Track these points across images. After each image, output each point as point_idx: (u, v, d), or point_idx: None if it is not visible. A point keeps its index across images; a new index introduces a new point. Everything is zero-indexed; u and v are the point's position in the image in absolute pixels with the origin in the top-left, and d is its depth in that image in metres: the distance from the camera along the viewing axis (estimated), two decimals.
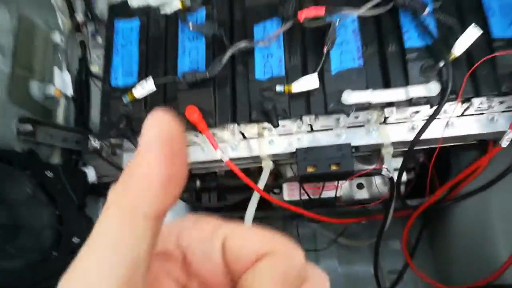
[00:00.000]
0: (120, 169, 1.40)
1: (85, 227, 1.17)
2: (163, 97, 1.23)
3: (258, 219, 1.23)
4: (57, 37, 1.55)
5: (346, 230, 1.64)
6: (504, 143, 1.04)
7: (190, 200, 1.54)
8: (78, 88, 1.58)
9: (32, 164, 1.17)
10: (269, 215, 1.63)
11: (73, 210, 1.19)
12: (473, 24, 0.98)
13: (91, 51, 1.62)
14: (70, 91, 1.55)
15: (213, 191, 1.58)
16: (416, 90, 1.03)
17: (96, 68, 1.62)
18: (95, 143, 1.40)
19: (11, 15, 1.35)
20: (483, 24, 1.05)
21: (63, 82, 1.53)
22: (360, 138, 1.17)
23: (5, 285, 0.95)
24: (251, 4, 1.24)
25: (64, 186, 1.20)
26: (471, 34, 0.98)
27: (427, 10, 1.04)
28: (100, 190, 1.44)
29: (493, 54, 1.01)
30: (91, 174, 1.40)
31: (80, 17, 1.62)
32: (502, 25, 1.04)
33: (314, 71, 1.08)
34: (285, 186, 1.45)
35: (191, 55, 1.23)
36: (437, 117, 1.07)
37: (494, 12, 1.06)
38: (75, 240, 1.13)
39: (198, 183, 1.48)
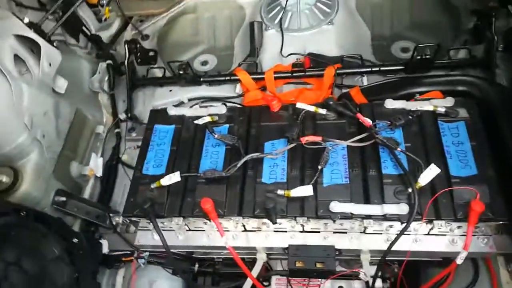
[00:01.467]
0: (131, 245, 1.58)
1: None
2: (184, 188, 1.48)
3: None
4: (100, 129, 1.88)
5: None
6: (459, 260, 1.26)
7: (187, 279, 1.67)
8: (107, 171, 1.85)
9: (63, 230, 1.37)
10: None
11: (88, 274, 1.36)
12: (433, 164, 1.28)
13: (125, 143, 1.93)
14: (100, 173, 1.81)
15: (209, 276, 1.73)
16: (389, 208, 1.29)
17: (125, 157, 1.91)
18: (114, 219, 1.61)
19: (71, 108, 1.69)
20: (445, 163, 1.36)
21: (96, 165, 1.81)
22: (343, 243, 1.39)
23: None
24: (265, 125, 1.57)
25: (85, 252, 1.38)
26: (432, 170, 1.28)
27: (400, 148, 1.36)
28: (110, 262, 1.60)
29: (450, 188, 1.30)
30: (104, 246, 1.58)
31: (122, 116, 1.97)
32: (457, 166, 1.35)
33: (310, 182, 1.36)
34: (273, 279, 1.61)
35: (212, 157, 1.53)
36: (407, 233, 1.32)
37: (451, 156, 1.37)
38: None
39: (196, 266, 1.65)
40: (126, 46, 2.02)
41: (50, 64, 1.53)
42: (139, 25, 2.42)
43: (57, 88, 1.58)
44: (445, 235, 1.36)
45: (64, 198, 1.52)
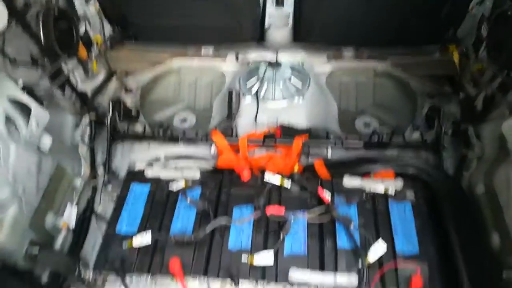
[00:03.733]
0: None
1: None
2: (153, 247, 1.57)
3: None
4: (78, 182, 1.95)
5: None
6: None
7: None
8: (80, 223, 1.91)
9: (34, 284, 1.43)
10: None
11: None
12: (381, 239, 1.44)
13: (101, 195, 2.02)
14: (72, 224, 1.87)
15: None
16: (341, 278, 1.43)
17: (100, 208, 1.99)
18: (84, 273, 1.67)
19: (53, 163, 1.77)
20: (392, 239, 1.53)
21: (69, 216, 1.86)
22: None
23: None
24: (234, 192, 1.71)
25: None
26: (380, 247, 1.44)
27: (353, 225, 1.52)
28: None
29: (395, 265, 1.45)
30: None
31: (100, 170, 2.06)
32: (403, 244, 1.52)
33: (271, 248, 1.48)
34: None
35: (183, 220, 1.64)
36: None
37: (398, 234, 1.55)
38: None
39: None
40: (110, 104, 2.14)
41: (37, 124, 1.62)
42: (124, 79, 2.55)
43: (42, 146, 1.67)
44: None
45: (36, 250, 1.57)
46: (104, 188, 2.04)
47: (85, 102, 2.16)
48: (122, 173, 2.08)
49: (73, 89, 2.12)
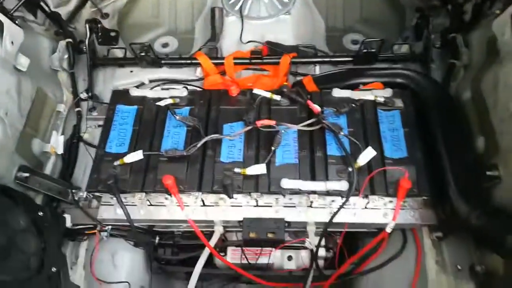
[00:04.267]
0: (92, 218, 1.66)
1: (61, 260, 1.41)
2: (146, 166, 1.57)
3: (201, 277, 1.53)
4: (61, 108, 1.90)
5: None
6: (388, 229, 1.47)
7: (149, 250, 1.78)
8: (68, 149, 1.89)
9: (28, 204, 1.43)
10: (211, 272, 1.87)
11: (54, 245, 1.43)
12: (370, 147, 1.47)
13: (86, 122, 1.98)
14: (61, 150, 1.85)
15: (168, 247, 1.84)
16: (332, 185, 1.47)
17: (87, 135, 1.96)
18: (77, 195, 1.68)
19: (33, 86, 1.71)
20: (380, 146, 1.55)
21: (57, 142, 1.84)
22: (292, 216, 1.56)
23: None
24: (223, 109, 1.69)
25: (50, 225, 1.45)
26: (369, 152, 1.46)
27: (343, 132, 1.53)
28: (73, 235, 1.67)
29: (384, 168, 1.49)
30: (67, 220, 1.65)
31: (83, 95, 2.00)
32: (391, 149, 1.55)
33: (263, 162, 1.50)
34: (229, 250, 1.76)
35: (173, 138, 1.63)
36: (347, 207, 1.51)
37: (386, 140, 1.57)
38: (53, 269, 1.36)
39: (157, 238, 1.76)
40: (87, 25, 2.03)
41: (12, 43, 1.54)
42: (99, 2, 2.40)
43: (19, 66, 1.59)
44: (379, 209, 1.56)
45: (27, 174, 1.55)
46: (89, 114, 1.99)
47: (60, 26, 2.04)
48: (106, 99, 2.02)
49: (46, 13, 2.01)
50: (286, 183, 1.47)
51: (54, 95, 1.89)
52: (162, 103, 1.66)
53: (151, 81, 2.10)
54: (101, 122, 1.92)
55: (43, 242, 1.38)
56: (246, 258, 1.72)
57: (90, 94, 2.02)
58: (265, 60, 2.05)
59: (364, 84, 1.79)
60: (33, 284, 1.28)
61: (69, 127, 1.95)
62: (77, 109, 2.00)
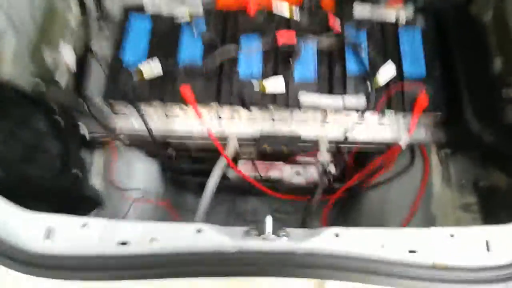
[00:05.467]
0: (107, 128, 1.67)
1: (82, 164, 1.45)
2: (163, 78, 1.56)
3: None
4: (71, 20, 1.83)
5: (281, 207, 2.04)
6: (403, 143, 1.52)
7: (166, 158, 1.81)
8: (80, 65, 1.84)
9: (47, 109, 1.44)
10: (224, 184, 1.94)
11: (75, 149, 1.46)
12: (389, 61, 1.46)
13: (97, 36, 1.91)
14: (72, 63, 1.80)
15: (183, 159, 1.88)
16: (350, 100, 1.48)
17: (98, 50, 1.90)
18: (93, 103, 1.67)
19: None
20: (400, 65, 1.55)
21: (68, 54, 1.79)
22: (306, 131, 1.59)
23: (31, 185, 1.22)
24: (241, 21, 1.64)
25: (68, 129, 1.47)
26: (389, 67, 1.46)
27: (363, 49, 1.52)
28: (89, 144, 1.69)
29: (400, 85, 1.50)
30: (83, 129, 1.65)
31: (92, 12, 1.91)
32: (410, 67, 1.55)
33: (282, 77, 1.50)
34: (240, 163, 1.81)
35: (190, 52, 1.59)
36: (362, 123, 1.54)
37: (406, 58, 1.57)
38: (75, 171, 1.41)
39: (170, 151, 1.79)
40: None
41: None
42: None
43: None
44: (393, 125, 1.59)
45: (43, 84, 1.54)
46: (99, 29, 1.92)
47: None
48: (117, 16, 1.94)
49: None
50: (305, 96, 1.48)
51: (63, 9, 1.81)
52: (180, 17, 1.60)
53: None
54: (112, 40, 1.86)
55: (64, 146, 1.40)
56: (258, 170, 1.77)
57: (100, 8, 1.93)
58: None
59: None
60: (59, 182, 1.33)
61: (80, 44, 1.89)
62: (86, 24, 1.92)
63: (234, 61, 1.57)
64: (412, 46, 1.59)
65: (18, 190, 1.19)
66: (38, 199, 1.22)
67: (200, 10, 1.68)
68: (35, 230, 1.03)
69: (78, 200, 1.46)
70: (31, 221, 1.04)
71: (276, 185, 1.82)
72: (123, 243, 1.02)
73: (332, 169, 1.77)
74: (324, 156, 1.62)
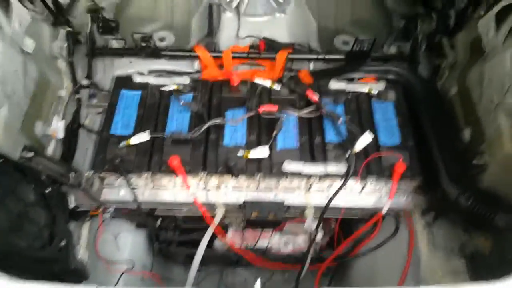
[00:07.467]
0: (95, 200, 1.67)
1: (69, 235, 1.43)
2: (151, 148, 1.61)
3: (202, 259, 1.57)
4: (62, 93, 1.92)
5: (271, 278, 1.99)
6: (385, 208, 1.56)
7: (153, 229, 1.79)
8: (69, 134, 1.90)
9: (37, 179, 1.45)
10: (211, 254, 1.90)
11: (62, 220, 1.45)
12: (367, 131, 1.56)
13: (87, 109, 1.99)
14: (61, 135, 1.86)
15: (170, 230, 1.87)
16: (331, 167, 1.55)
17: (87, 121, 1.98)
18: (81, 176, 1.69)
19: (37, 70, 1.72)
20: (375, 134, 1.65)
21: (57, 127, 1.85)
22: (291, 199, 1.63)
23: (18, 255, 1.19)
24: (226, 96, 1.76)
25: (58, 202, 1.47)
26: (367, 137, 1.56)
27: (341, 120, 1.62)
28: (77, 216, 1.68)
29: (378, 153, 1.59)
30: (70, 201, 1.65)
31: (84, 81, 2.02)
32: (385, 137, 1.66)
33: (266, 145, 1.57)
34: (230, 231, 1.80)
35: (177, 122, 1.68)
36: (344, 191, 1.59)
37: (381, 129, 1.68)
38: (62, 242, 1.38)
39: (159, 220, 1.79)
40: (89, 14, 2.06)
41: (20, 24, 1.56)
42: None
43: (26, 47, 1.61)
44: (375, 193, 1.65)
45: (31, 154, 1.56)
46: (89, 101, 2.01)
47: (60, 12, 2.06)
48: (105, 88, 2.05)
49: (44, 2, 2.02)
50: (288, 165, 1.54)
51: (55, 81, 1.90)
52: (166, 88, 1.71)
53: (150, 72, 2.14)
54: (101, 110, 1.95)
55: (52, 216, 1.40)
56: (246, 240, 1.77)
57: (90, 81, 2.04)
58: (262, 55, 2.13)
59: (359, 79, 1.89)
60: (45, 253, 1.31)
61: (69, 114, 1.96)
62: (77, 96, 2.01)
63: (219, 132, 1.66)
64: (385, 117, 1.71)
65: (5, 259, 1.17)
66: (25, 269, 1.19)
67: (187, 80, 1.80)
68: None
69: (64, 273, 1.42)
70: None
71: (265, 255, 1.81)
72: None
73: (319, 238, 1.79)
74: (310, 222, 1.64)
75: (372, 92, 1.77)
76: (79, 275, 1.52)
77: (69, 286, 1.03)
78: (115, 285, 1.60)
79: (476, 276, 1.48)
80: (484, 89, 1.57)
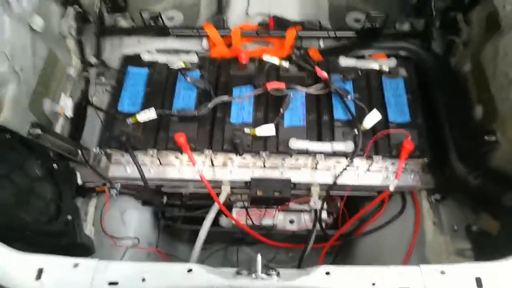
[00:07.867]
0: (102, 176, 1.69)
1: (76, 210, 1.46)
2: (157, 124, 1.62)
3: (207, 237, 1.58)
4: (71, 71, 1.93)
5: (275, 257, 2.01)
6: (391, 187, 1.54)
7: (159, 206, 1.81)
8: (77, 112, 1.92)
9: (44, 155, 1.47)
10: (216, 231, 1.91)
11: (69, 195, 1.48)
12: (375, 109, 1.53)
13: (95, 87, 2.01)
14: (69, 113, 1.88)
15: (176, 207, 1.89)
16: (338, 145, 1.53)
17: (95, 99, 1.99)
18: (88, 152, 1.71)
19: (46, 47, 1.74)
20: (385, 111, 1.62)
21: (66, 105, 1.87)
22: (297, 177, 1.62)
23: (25, 229, 1.22)
24: (233, 73, 1.74)
25: (65, 178, 1.49)
26: (375, 115, 1.53)
27: (349, 97, 1.59)
28: (84, 192, 1.71)
29: (387, 130, 1.56)
30: (77, 178, 1.68)
31: (92, 59, 2.03)
32: (395, 114, 1.62)
33: (272, 123, 1.56)
34: (234, 211, 1.81)
35: (184, 99, 1.67)
36: (350, 169, 1.57)
37: (390, 106, 1.64)
38: (69, 217, 1.41)
39: (165, 198, 1.80)
40: None
41: (29, 2, 1.57)
42: None
43: (35, 25, 1.62)
44: (381, 171, 1.63)
45: (39, 131, 1.58)
46: (97, 79, 2.02)
47: None
48: (113, 66, 2.05)
49: None
50: (294, 143, 1.53)
51: (64, 59, 1.92)
52: (174, 66, 1.70)
53: (158, 51, 2.13)
54: (109, 87, 1.96)
55: (58, 192, 1.42)
56: (251, 218, 1.77)
57: (98, 59, 2.05)
58: (271, 33, 2.10)
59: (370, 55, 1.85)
60: (52, 227, 1.33)
61: (77, 91, 1.98)
62: (85, 74, 2.02)
63: (226, 109, 1.65)
64: (395, 94, 1.67)
65: (12, 233, 1.20)
66: (31, 243, 1.22)
67: (194, 58, 1.79)
68: (26, 271, 1.02)
69: (71, 247, 1.46)
70: (23, 262, 1.04)
71: (270, 233, 1.81)
72: (114, 283, 1.01)
73: (324, 216, 1.79)
74: (316, 201, 1.63)
75: (383, 68, 1.72)
76: (86, 249, 1.55)
77: (69, 259, 1.05)
78: (120, 259, 1.62)
79: (481, 256, 1.46)
80: (499, 64, 1.52)
